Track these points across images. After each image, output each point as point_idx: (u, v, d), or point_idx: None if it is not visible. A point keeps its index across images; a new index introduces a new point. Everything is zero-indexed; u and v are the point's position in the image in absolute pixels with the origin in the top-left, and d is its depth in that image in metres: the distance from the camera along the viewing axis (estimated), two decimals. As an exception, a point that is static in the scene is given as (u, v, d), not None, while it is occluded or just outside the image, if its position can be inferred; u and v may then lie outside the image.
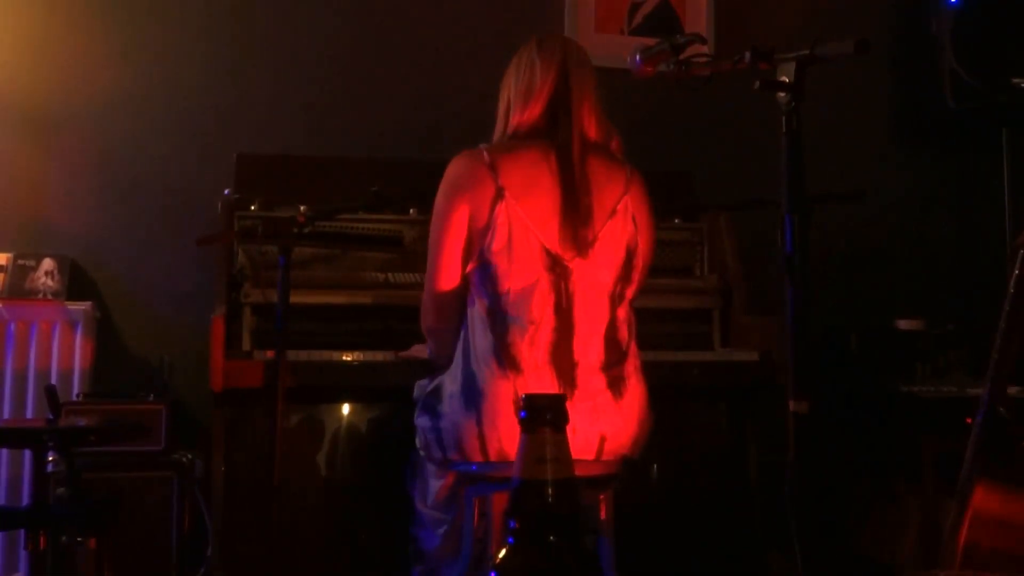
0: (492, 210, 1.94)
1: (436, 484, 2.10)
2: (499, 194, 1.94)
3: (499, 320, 1.95)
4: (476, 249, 1.97)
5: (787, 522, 1.35)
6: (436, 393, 2.05)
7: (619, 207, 2.02)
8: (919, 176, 3.50)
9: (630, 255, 2.03)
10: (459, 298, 2.02)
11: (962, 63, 2.98)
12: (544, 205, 1.96)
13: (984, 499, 1.49)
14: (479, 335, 1.97)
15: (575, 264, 1.97)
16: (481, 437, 1.93)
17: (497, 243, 1.94)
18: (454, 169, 2.02)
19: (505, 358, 1.93)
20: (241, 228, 2.56)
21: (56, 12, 3.02)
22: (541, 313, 1.95)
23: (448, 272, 2.00)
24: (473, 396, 1.94)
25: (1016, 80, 2.87)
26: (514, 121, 2.04)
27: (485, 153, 1.99)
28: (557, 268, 1.96)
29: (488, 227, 1.94)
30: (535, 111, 2.01)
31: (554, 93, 2.01)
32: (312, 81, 3.15)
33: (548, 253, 1.95)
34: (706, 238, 2.89)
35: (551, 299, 1.95)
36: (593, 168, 2.00)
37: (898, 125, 3.55)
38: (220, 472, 2.42)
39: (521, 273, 1.95)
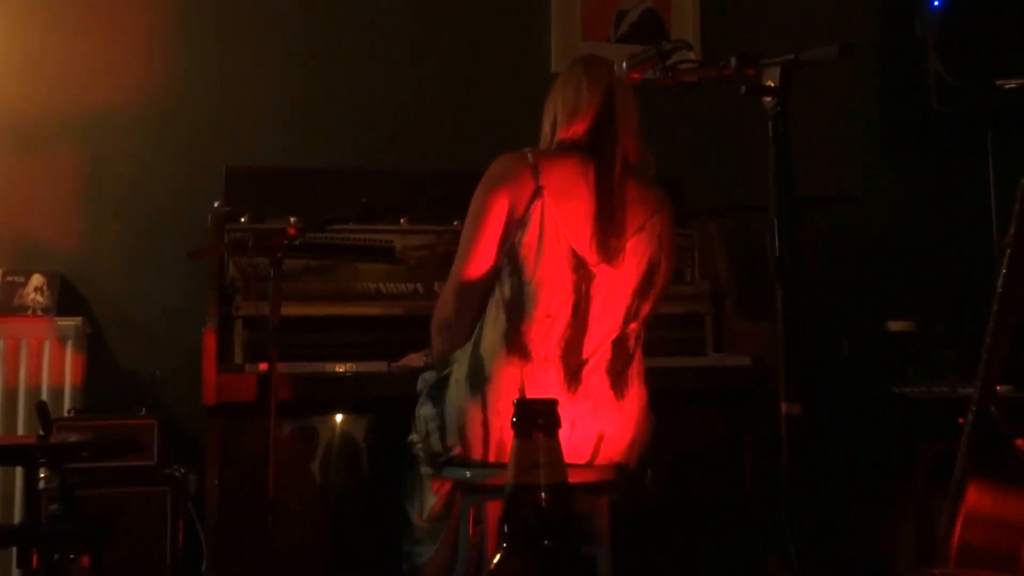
0: (529, 206, 2.00)
1: (433, 499, 2.12)
2: (537, 192, 2.00)
3: (516, 309, 2.00)
4: (508, 242, 2.02)
5: (783, 524, 1.35)
6: (443, 382, 2.07)
7: (648, 224, 2.08)
8: (906, 178, 3.52)
9: (651, 271, 2.08)
10: (482, 290, 2.05)
11: (946, 65, 3.01)
12: (578, 209, 2.02)
13: (977, 498, 1.49)
14: (492, 323, 2.01)
15: (599, 269, 2.02)
16: (485, 424, 1.96)
17: (528, 238, 2.00)
18: (497, 165, 2.07)
19: (516, 345, 1.98)
20: (231, 241, 2.56)
21: (44, 29, 3.02)
22: (560, 309, 1.99)
23: (480, 260, 2.04)
24: (479, 382, 1.98)
25: (1000, 81, 2.89)
26: (560, 136, 2.10)
27: (529, 155, 2.05)
28: (581, 271, 2.01)
29: (522, 222, 2.00)
30: (580, 128, 2.08)
31: (599, 113, 2.07)
32: (300, 93, 3.15)
33: (575, 255, 2.01)
34: (697, 244, 2.90)
35: (571, 299, 2.00)
36: (629, 187, 2.06)
37: (884, 128, 3.57)
38: (214, 486, 2.41)
39: (546, 270, 2.00)
